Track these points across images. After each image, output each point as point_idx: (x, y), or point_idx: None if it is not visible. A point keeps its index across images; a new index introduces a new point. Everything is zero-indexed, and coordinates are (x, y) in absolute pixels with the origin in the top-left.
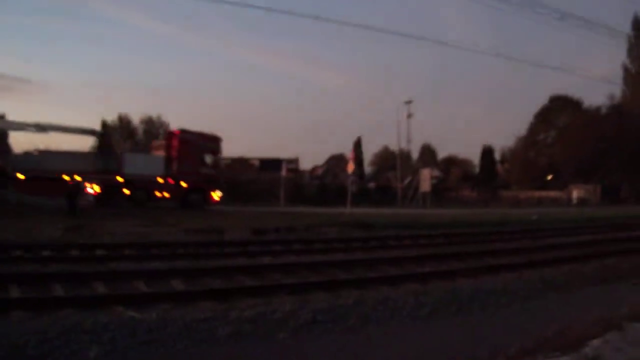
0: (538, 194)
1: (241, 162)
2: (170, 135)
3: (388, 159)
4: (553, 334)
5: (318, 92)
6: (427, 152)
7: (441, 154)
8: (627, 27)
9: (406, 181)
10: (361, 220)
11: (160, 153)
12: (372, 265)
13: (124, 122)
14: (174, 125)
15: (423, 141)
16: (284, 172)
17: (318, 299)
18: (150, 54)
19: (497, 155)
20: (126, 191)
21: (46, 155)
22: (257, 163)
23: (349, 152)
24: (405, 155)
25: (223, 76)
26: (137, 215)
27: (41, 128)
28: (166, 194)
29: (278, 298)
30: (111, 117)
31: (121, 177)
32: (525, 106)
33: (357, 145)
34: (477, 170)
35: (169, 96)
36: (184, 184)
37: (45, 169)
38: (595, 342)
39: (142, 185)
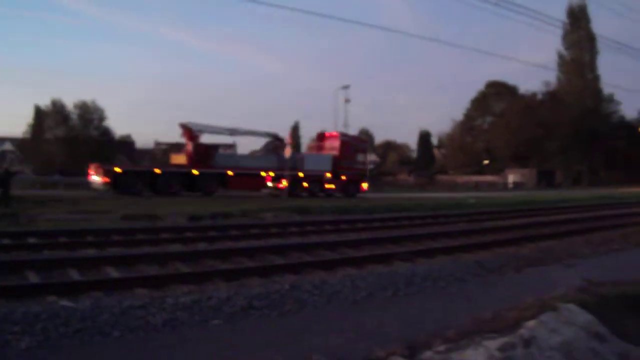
0: (475, 178)
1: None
2: (324, 136)
3: None
4: (490, 316)
5: (255, 76)
6: (365, 137)
7: (379, 138)
8: (561, 15)
9: None
10: (299, 204)
11: (320, 152)
12: (309, 250)
13: (57, 107)
14: (110, 111)
15: (361, 126)
16: None
17: (254, 284)
18: (85, 38)
19: (435, 140)
20: (305, 184)
21: (246, 155)
22: None
23: (286, 137)
24: None
25: (160, 60)
26: (74, 202)
27: (234, 131)
28: (332, 186)
29: (213, 284)
30: (44, 102)
31: (302, 173)
32: (462, 91)
33: (295, 129)
34: (414, 154)
35: (104, 81)
36: (344, 178)
37: (246, 166)
38: (531, 323)
39: (316, 179)
